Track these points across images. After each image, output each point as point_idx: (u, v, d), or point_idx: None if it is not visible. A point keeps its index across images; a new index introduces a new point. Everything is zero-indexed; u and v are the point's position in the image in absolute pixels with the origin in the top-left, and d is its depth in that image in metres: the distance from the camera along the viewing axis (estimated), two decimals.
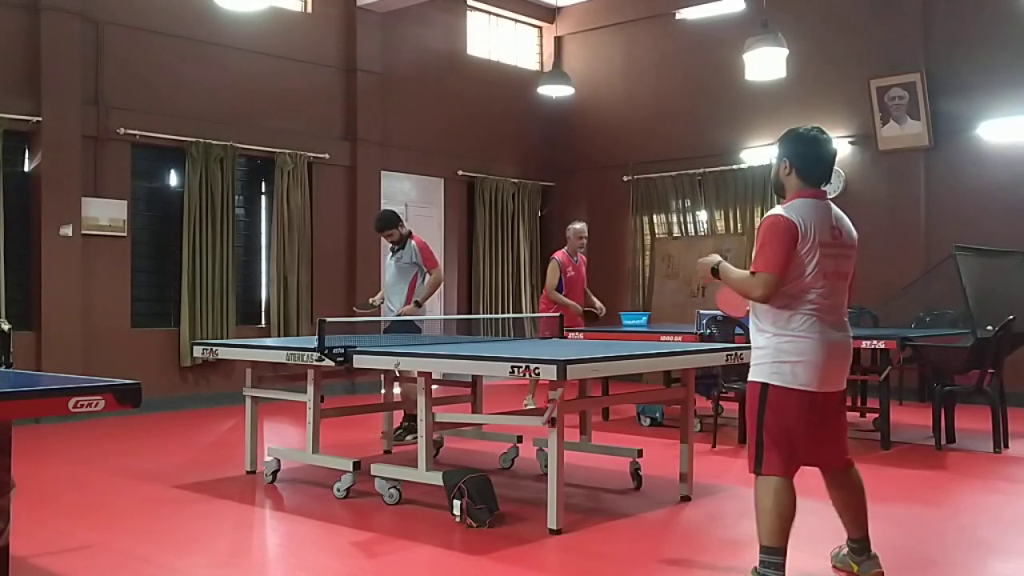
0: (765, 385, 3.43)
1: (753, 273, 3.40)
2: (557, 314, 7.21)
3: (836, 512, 3.70)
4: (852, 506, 3.64)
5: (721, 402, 7.03)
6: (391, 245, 7.30)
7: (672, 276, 11.24)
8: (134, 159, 8.89)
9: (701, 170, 11.10)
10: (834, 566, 3.79)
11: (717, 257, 3.61)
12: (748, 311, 3.60)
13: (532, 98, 11.52)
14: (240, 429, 6.16)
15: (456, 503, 4.51)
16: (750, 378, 3.50)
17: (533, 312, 9.61)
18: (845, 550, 3.73)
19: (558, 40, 12.44)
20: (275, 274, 9.71)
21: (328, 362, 4.99)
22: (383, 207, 10.50)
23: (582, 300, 8.71)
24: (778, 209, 3.46)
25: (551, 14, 12.47)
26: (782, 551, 3.40)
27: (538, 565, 4.05)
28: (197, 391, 9.16)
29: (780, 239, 3.34)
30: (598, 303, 8.71)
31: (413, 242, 7.20)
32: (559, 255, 8.72)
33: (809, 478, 3.75)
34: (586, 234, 8.78)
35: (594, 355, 4.54)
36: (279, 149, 9.72)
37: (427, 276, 7.21)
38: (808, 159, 3.50)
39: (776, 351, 3.42)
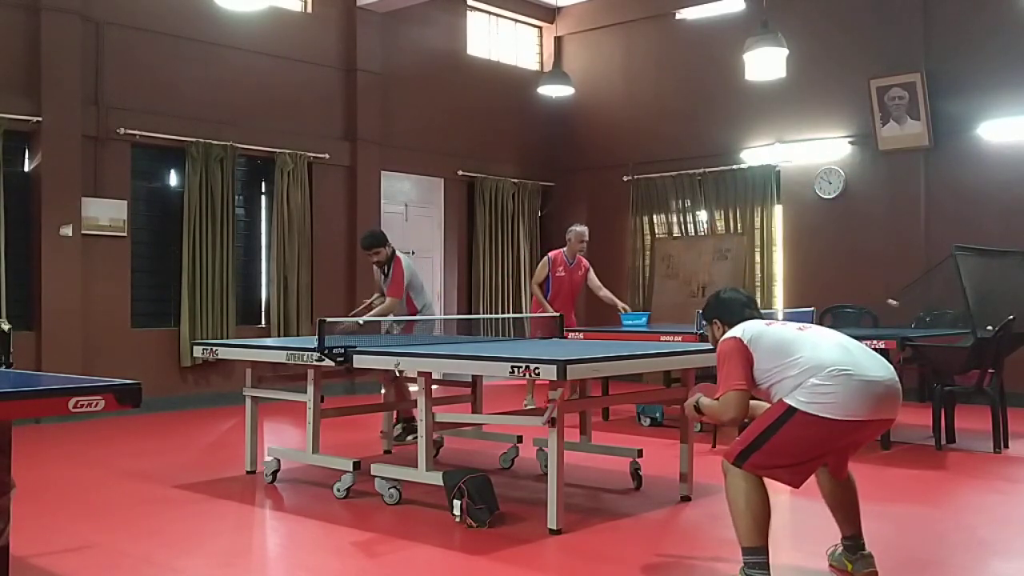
0: (792, 408, 3.36)
1: (718, 398, 3.52)
2: (556, 314, 7.21)
3: (829, 509, 3.72)
4: (844, 504, 3.66)
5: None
6: (379, 267, 7.13)
7: (672, 276, 11.23)
8: (134, 159, 8.88)
9: (701, 170, 11.10)
10: (830, 565, 3.80)
11: (695, 396, 3.72)
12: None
13: (532, 98, 11.52)
14: (240, 429, 6.16)
15: (456, 503, 4.51)
16: (784, 399, 3.42)
17: (533, 312, 9.61)
18: (840, 549, 3.75)
19: (558, 40, 12.44)
20: (275, 274, 9.71)
21: (328, 362, 4.99)
22: (384, 208, 10.54)
23: (571, 303, 8.70)
24: (720, 338, 3.67)
25: (551, 14, 12.46)
26: (764, 550, 3.40)
27: (538, 565, 4.05)
28: (197, 391, 9.16)
29: (731, 357, 3.50)
30: (619, 303, 8.76)
31: (392, 271, 7.00)
32: (553, 253, 8.93)
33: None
34: (587, 237, 8.82)
35: (594, 355, 4.54)
36: (279, 149, 9.72)
37: (419, 294, 7.10)
38: (732, 311, 3.76)
39: (814, 389, 3.33)
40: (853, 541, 3.67)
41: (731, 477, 3.46)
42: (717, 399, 3.53)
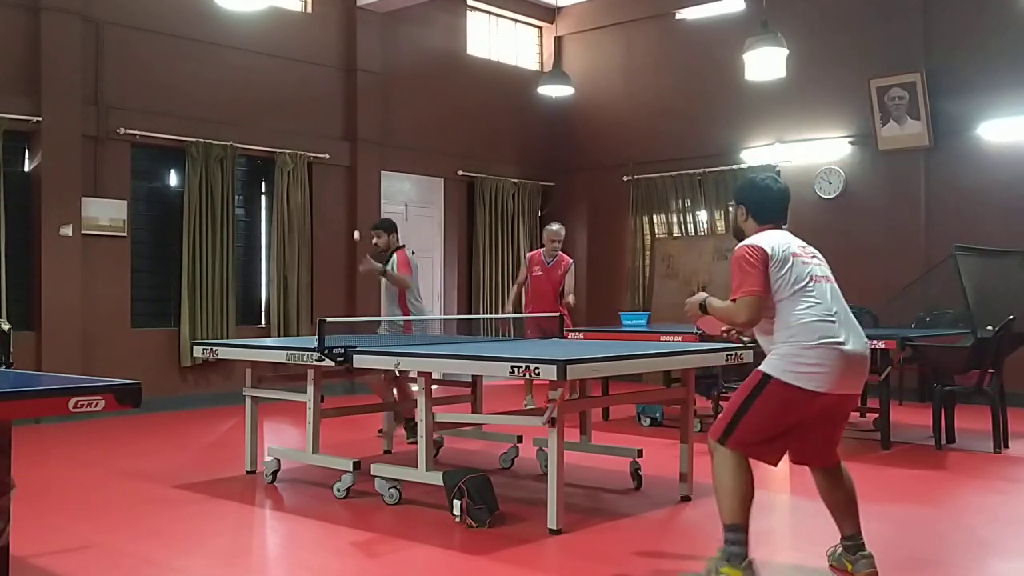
0: (768, 376, 3.47)
1: (734, 300, 3.54)
2: (556, 314, 7.22)
3: (828, 509, 3.72)
4: (843, 503, 3.69)
5: (721, 402, 7.03)
6: (376, 254, 7.33)
7: (672, 276, 11.23)
8: (134, 159, 8.88)
9: (701, 170, 11.10)
10: (830, 565, 3.80)
11: (702, 294, 3.79)
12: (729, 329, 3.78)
13: (532, 98, 11.53)
14: (240, 429, 6.17)
15: (456, 503, 4.51)
16: (759, 368, 3.54)
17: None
18: (840, 549, 3.76)
19: (558, 40, 12.44)
20: (275, 274, 9.71)
21: (328, 362, 4.99)
22: (384, 208, 10.53)
23: (551, 302, 8.61)
24: (744, 241, 3.67)
25: (551, 14, 12.47)
26: (744, 527, 3.47)
27: (538, 565, 4.05)
28: (197, 391, 9.16)
29: (752, 264, 3.53)
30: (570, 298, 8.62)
31: (395, 257, 7.19)
32: (532, 253, 9.05)
33: (808, 478, 3.75)
34: (559, 236, 8.75)
35: (594, 355, 4.54)
36: (279, 149, 9.72)
37: (413, 293, 7.23)
38: (763, 204, 3.79)
39: (791, 359, 3.45)
40: (853, 541, 3.68)
41: (718, 456, 3.54)
42: (732, 301, 3.53)
